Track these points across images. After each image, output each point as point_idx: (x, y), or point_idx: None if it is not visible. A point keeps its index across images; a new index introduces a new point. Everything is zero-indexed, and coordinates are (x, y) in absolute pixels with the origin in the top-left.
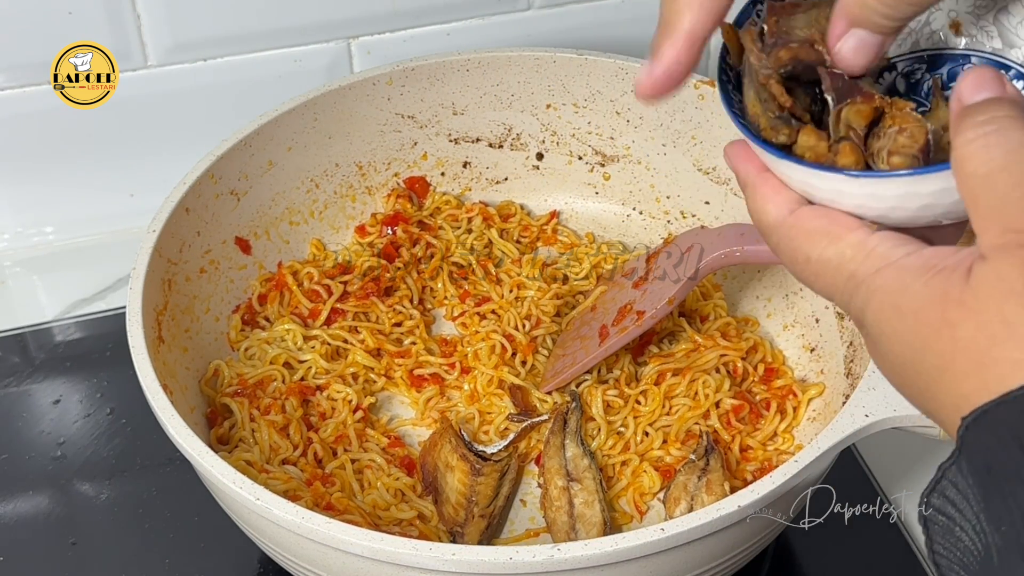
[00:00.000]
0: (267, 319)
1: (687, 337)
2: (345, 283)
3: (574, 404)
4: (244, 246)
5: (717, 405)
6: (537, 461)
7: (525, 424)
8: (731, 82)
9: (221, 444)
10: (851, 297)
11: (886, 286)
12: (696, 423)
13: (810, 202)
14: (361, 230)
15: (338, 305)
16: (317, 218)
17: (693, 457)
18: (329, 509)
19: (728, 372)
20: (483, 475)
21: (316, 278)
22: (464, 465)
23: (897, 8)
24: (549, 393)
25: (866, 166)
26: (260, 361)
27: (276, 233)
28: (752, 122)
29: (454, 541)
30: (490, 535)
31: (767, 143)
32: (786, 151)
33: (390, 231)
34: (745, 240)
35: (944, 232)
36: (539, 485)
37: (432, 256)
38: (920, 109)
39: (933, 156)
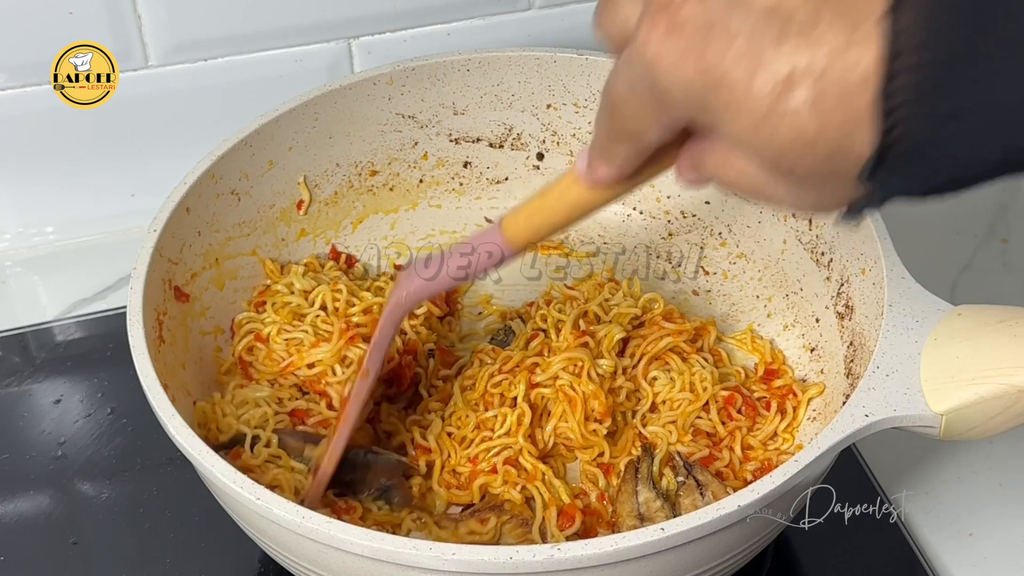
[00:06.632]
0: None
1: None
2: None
3: (645, 453)
4: None
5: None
6: None
7: None
8: None
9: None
10: None
11: None
12: (699, 416)
13: None
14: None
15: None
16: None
17: (681, 479)
18: (327, 507)
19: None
20: None
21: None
22: None
23: None
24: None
25: None
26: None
27: (276, 233)
28: None
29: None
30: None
31: None
32: None
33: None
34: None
35: None
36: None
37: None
38: None
39: None
